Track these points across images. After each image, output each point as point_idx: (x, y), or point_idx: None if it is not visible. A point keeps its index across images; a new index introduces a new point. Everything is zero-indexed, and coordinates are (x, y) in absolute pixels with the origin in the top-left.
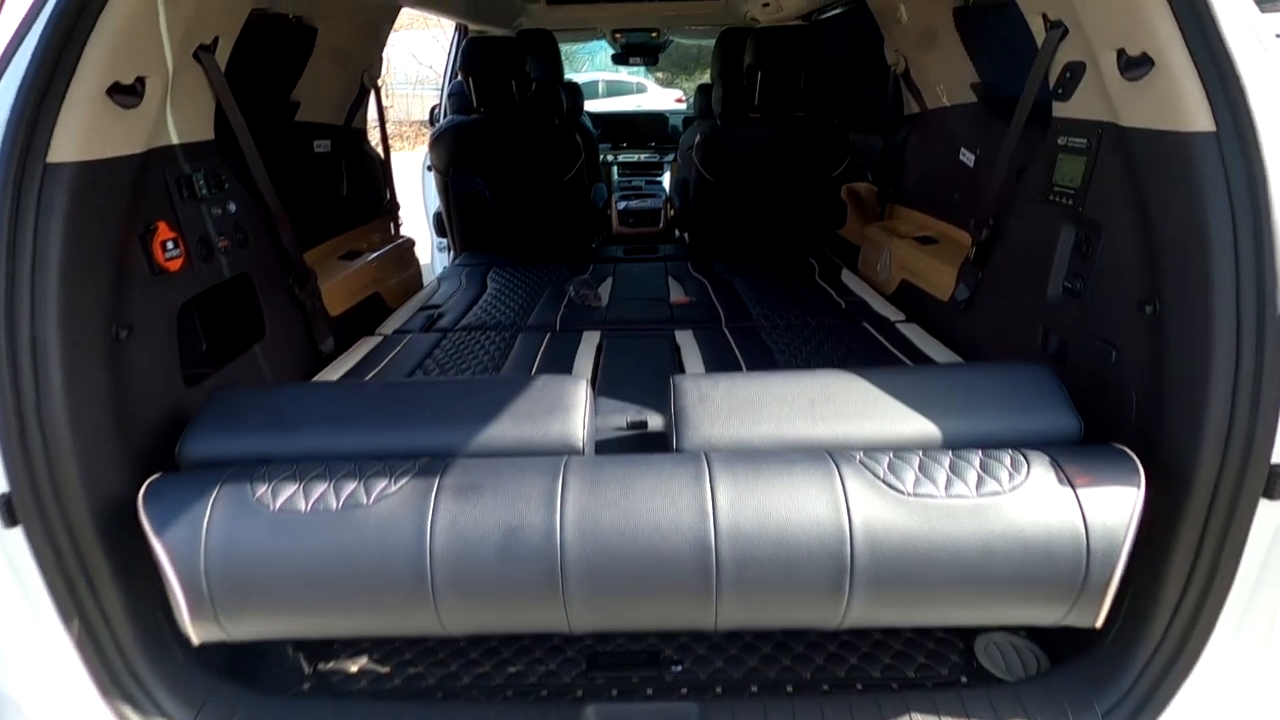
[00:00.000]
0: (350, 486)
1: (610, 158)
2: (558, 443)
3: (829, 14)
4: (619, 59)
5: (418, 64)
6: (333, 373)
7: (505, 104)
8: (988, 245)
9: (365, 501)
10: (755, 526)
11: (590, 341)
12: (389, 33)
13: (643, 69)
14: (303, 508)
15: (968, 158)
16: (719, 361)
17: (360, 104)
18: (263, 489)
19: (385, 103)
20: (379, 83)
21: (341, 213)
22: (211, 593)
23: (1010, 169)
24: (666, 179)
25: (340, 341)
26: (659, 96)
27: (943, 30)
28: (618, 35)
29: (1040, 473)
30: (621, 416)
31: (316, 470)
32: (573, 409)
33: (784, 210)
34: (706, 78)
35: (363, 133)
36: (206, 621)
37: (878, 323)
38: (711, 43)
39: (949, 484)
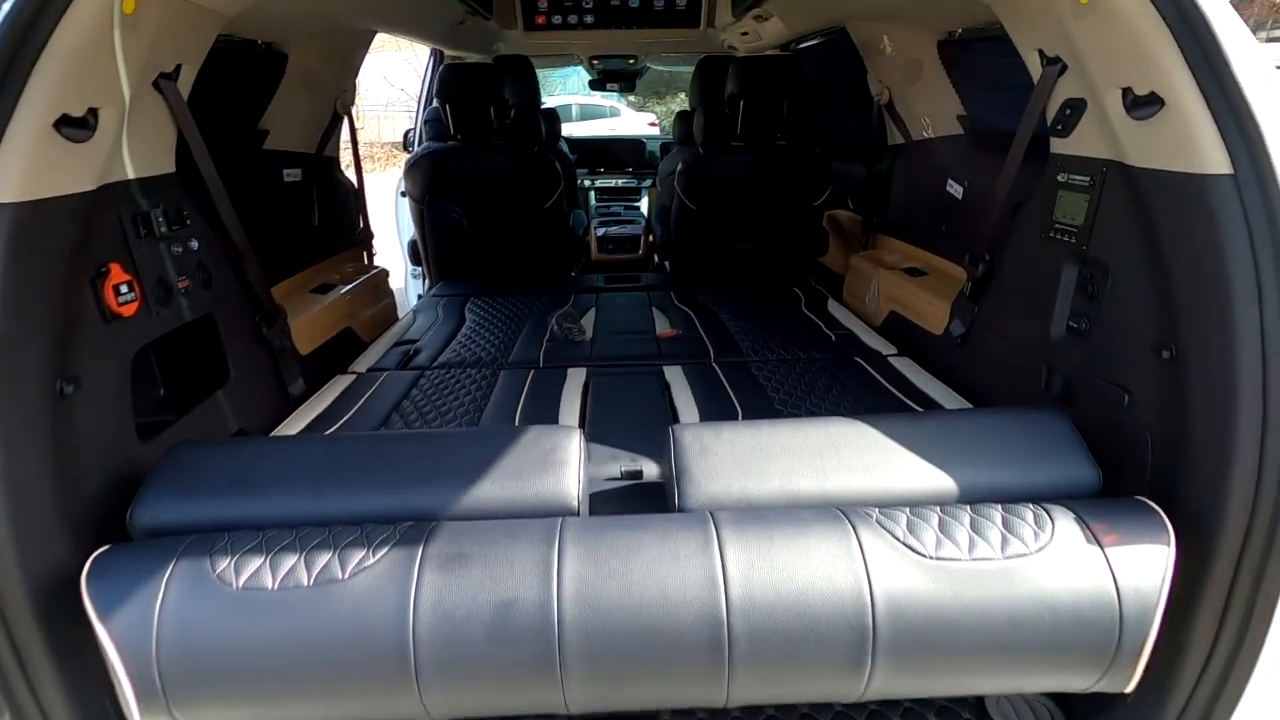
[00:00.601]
0: (323, 559)
1: (588, 183)
2: (552, 502)
3: (808, 44)
4: (596, 85)
5: (389, 86)
6: (303, 417)
7: (483, 131)
8: (984, 280)
9: (340, 576)
10: (769, 596)
11: (576, 380)
12: (363, 59)
13: (617, 94)
14: (270, 584)
15: (955, 189)
16: (711, 400)
17: (332, 131)
18: (224, 563)
19: (357, 124)
20: (352, 109)
21: (313, 244)
22: (164, 683)
23: (1006, 203)
24: (645, 204)
25: (312, 381)
26: (632, 120)
27: (927, 62)
28: (595, 62)
29: (1066, 531)
30: (614, 465)
31: (285, 540)
32: (566, 464)
33: (767, 238)
34: (678, 102)
35: (335, 160)
36: (158, 714)
37: (870, 356)
38: (685, 69)
39: (972, 545)
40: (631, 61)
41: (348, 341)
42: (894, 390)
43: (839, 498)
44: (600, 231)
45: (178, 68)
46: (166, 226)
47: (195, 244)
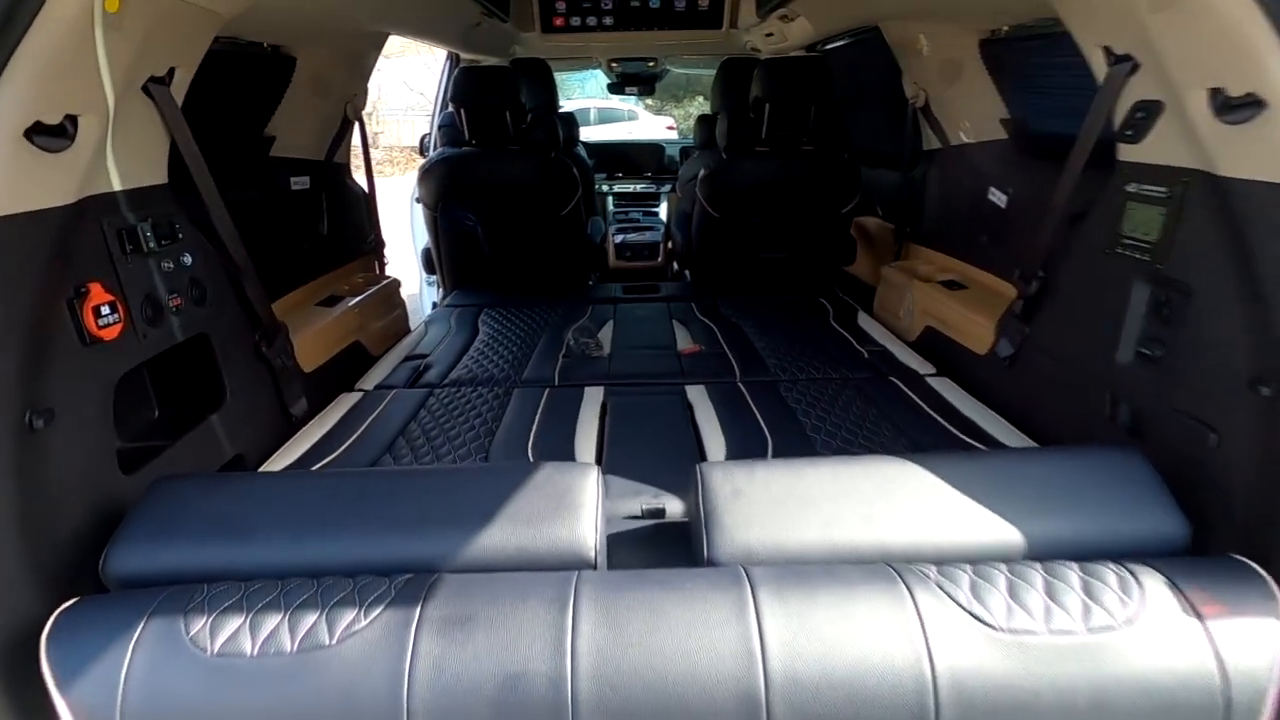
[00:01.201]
0: (309, 619)
1: (606, 188)
2: (566, 552)
3: (836, 44)
4: (615, 88)
5: (409, 90)
6: (305, 440)
7: (499, 135)
8: (1036, 298)
9: (327, 641)
10: (815, 675)
11: (593, 400)
12: (375, 62)
13: (635, 97)
14: (249, 649)
15: (998, 198)
16: (738, 425)
17: (343, 137)
18: (199, 623)
19: (375, 129)
20: (364, 114)
21: (321, 254)
22: None
23: (1063, 215)
24: (664, 210)
25: (316, 399)
26: (649, 124)
27: (968, 63)
28: (614, 64)
29: (1158, 598)
30: (635, 500)
31: (269, 595)
32: (581, 510)
33: (792, 247)
34: (697, 105)
35: (345, 167)
36: None
37: (906, 376)
38: (705, 71)
39: (1048, 613)
40: (651, 64)
41: (356, 356)
42: (935, 415)
43: (890, 551)
44: (618, 238)
45: (171, 71)
46: (156, 241)
47: (189, 259)
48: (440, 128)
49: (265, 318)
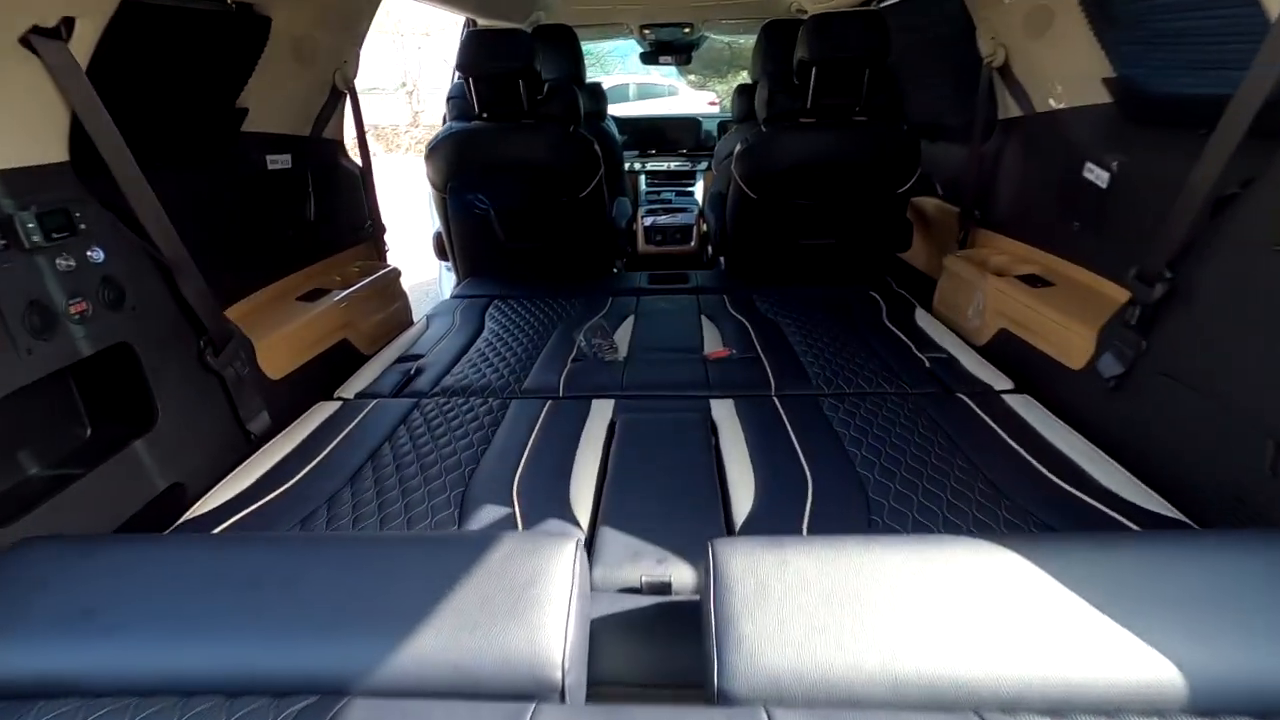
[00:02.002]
0: None
1: (638, 166)
2: (522, 675)
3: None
4: (648, 58)
5: (449, 67)
6: (259, 464)
7: (511, 108)
8: (1161, 305)
9: None
10: None
11: (601, 416)
12: (368, 26)
13: (675, 71)
14: None
15: (1097, 176)
16: (772, 458)
17: (332, 110)
18: None
19: (416, 107)
20: (354, 83)
21: (307, 242)
22: None
23: (1204, 200)
24: (699, 190)
25: (288, 411)
26: (691, 100)
27: (1061, 11)
28: (646, 31)
29: None
30: (634, 566)
31: None
32: (548, 607)
33: (840, 232)
34: (742, 80)
35: (337, 144)
36: None
37: (978, 393)
38: (748, 40)
39: None
40: (686, 30)
41: (342, 357)
42: (1018, 448)
43: (982, 693)
44: (648, 221)
45: (67, 22)
46: (43, 234)
47: (97, 255)
48: (449, 100)
49: (210, 321)
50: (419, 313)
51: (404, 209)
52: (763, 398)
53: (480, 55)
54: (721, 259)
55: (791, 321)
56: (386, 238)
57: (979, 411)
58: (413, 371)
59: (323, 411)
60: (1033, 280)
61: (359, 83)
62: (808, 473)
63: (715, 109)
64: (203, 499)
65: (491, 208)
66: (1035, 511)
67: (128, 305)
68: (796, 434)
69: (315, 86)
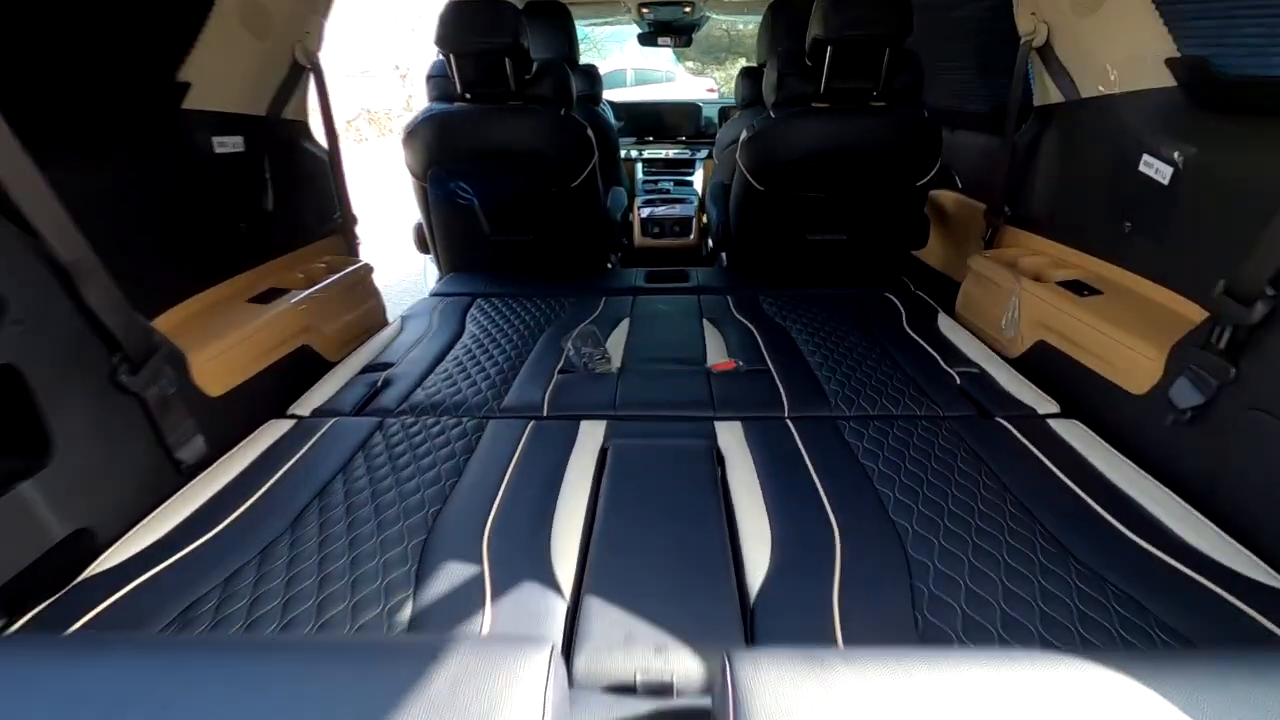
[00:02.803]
0: None
1: (634, 153)
2: None
3: None
4: (646, 39)
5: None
6: (193, 497)
7: (498, 89)
8: (1257, 328)
9: None
10: None
11: (590, 439)
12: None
13: (673, 56)
14: None
15: (1157, 170)
16: (790, 501)
17: (294, 88)
18: None
19: (409, 92)
20: (319, 58)
21: (264, 236)
22: None
23: None
24: (698, 179)
25: (232, 430)
26: (688, 87)
27: None
28: (644, 10)
29: None
30: (626, 656)
31: None
32: None
33: (853, 226)
34: (741, 67)
35: (301, 126)
36: None
37: (1019, 417)
38: (746, 25)
39: None
40: (687, 10)
41: (302, 366)
42: (1079, 491)
43: None
44: (645, 212)
45: None
46: None
47: None
48: (429, 79)
49: (125, 333)
50: (398, 311)
51: (394, 195)
52: (775, 420)
53: (461, 29)
54: (723, 255)
55: (803, 327)
56: (369, 228)
57: (1024, 440)
58: (380, 384)
59: (273, 432)
60: (1077, 287)
61: (351, 66)
62: (833, 522)
63: (714, 96)
64: (114, 547)
65: (475, 197)
66: (1111, 578)
67: (9, 320)
68: (816, 468)
69: (272, 60)
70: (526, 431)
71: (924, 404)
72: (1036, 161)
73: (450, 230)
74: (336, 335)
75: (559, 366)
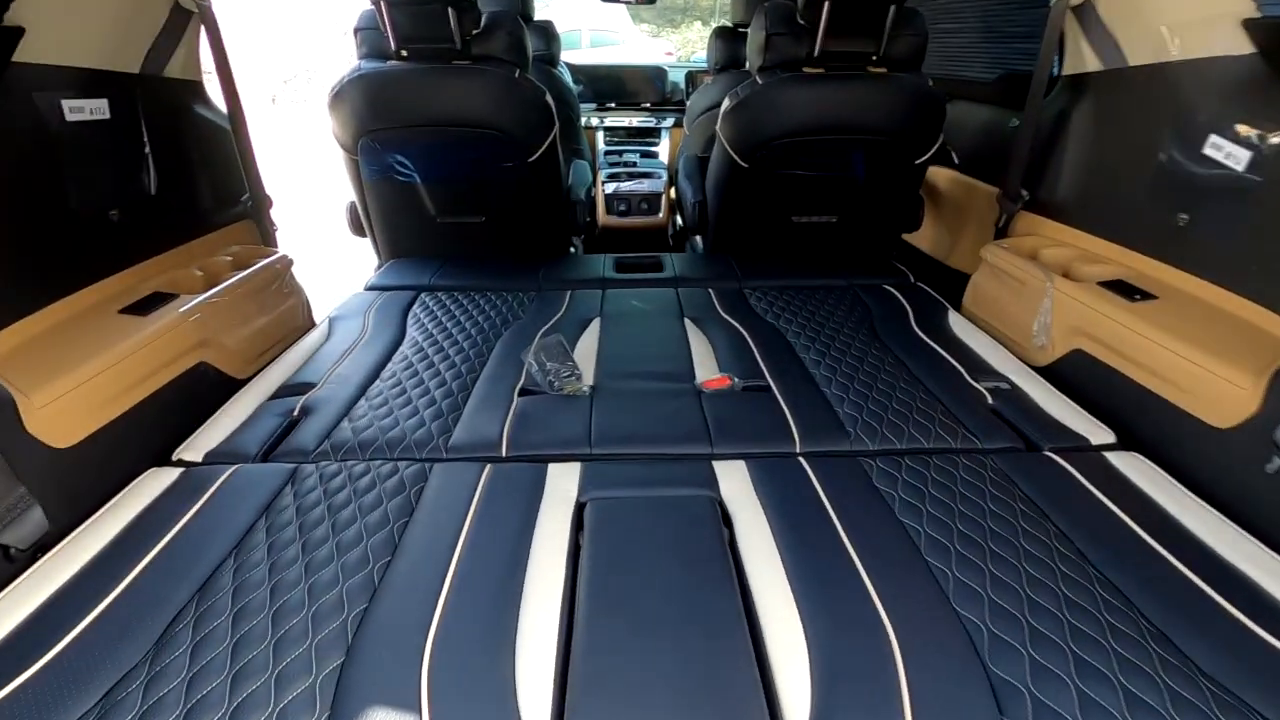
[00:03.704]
0: None
1: (595, 121)
2: None
3: None
4: None
5: None
6: (28, 595)
7: (440, 46)
8: None
9: None
10: None
11: (562, 491)
12: None
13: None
14: None
15: (1229, 154)
16: (819, 586)
17: (177, 38)
18: None
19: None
20: (210, 4)
21: (143, 226)
22: None
23: None
24: (664, 150)
25: (92, 489)
26: (644, 49)
27: None
28: None
29: None
30: None
31: None
32: None
33: (844, 208)
34: (696, 32)
35: (193, 87)
36: None
37: (1071, 451)
38: None
39: None
40: None
41: (197, 390)
42: (1169, 554)
43: None
44: (609, 188)
45: None
46: None
47: None
48: (357, 32)
49: None
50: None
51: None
52: (785, 458)
53: None
54: (698, 238)
55: (799, 330)
56: (313, 205)
57: (1083, 480)
58: (296, 413)
59: (149, 488)
60: (1123, 289)
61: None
62: (883, 614)
63: (671, 59)
64: None
65: (417, 173)
66: (1222, 678)
67: None
68: (846, 528)
69: (145, 3)
70: (481, 482)
71: (958, 433)
72: (1062, 139)
73: (388, 211)
74: (245, 346)
75: (519, 385)
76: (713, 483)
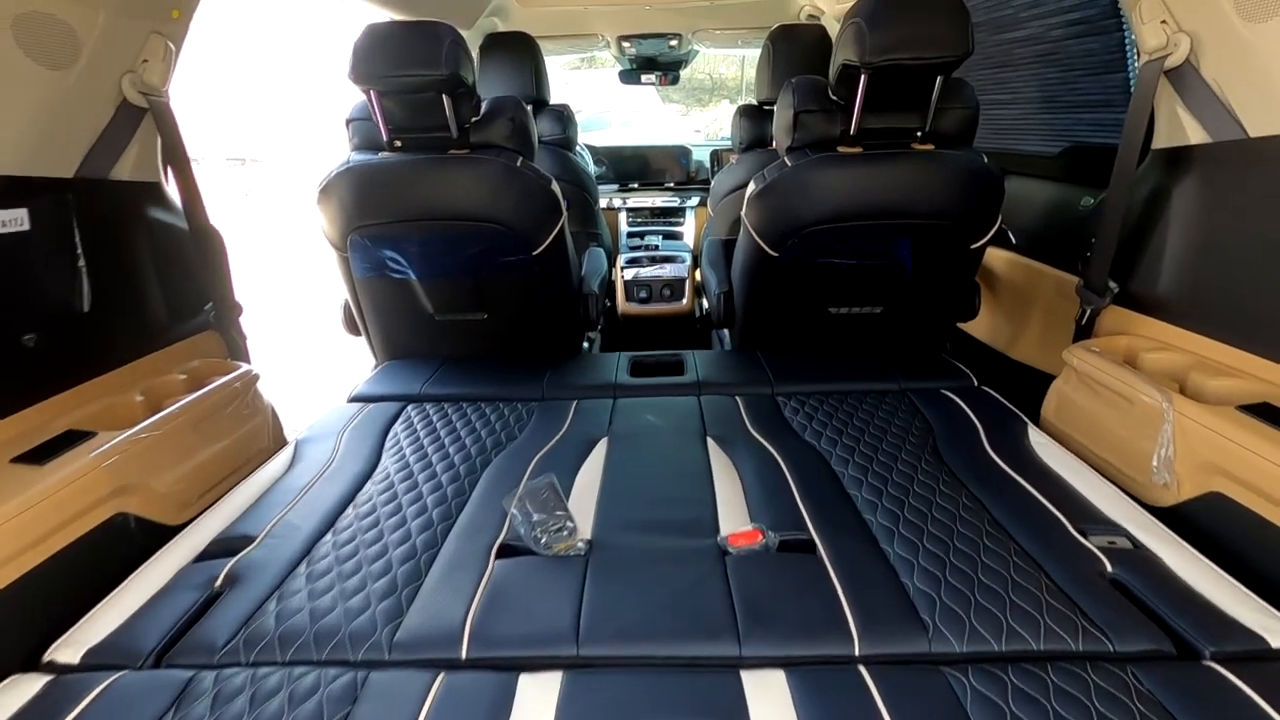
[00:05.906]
0: None
1: (618, 202)
2: None
3: None
4: (629, 76)
5: None
6: None
7: (435, 135)
8: None
9: None
10: None
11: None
12: (195, 6)
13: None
14: None
15: None
16: None
17: (127, 137)
18: None
19: None
20: (166, 93)
21: (70, 349)
22: None
23: None
24: (689, 230)
25: None
26: (667, 125)
27: None
28: (626, 44)
29: None
30: None
31: None
32: None
33: (890, 298)
34: (724, 109)
35: (147, 189)
36: None
37: (1242, 661)
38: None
39: None
40: (673, 44)
41: (111, 549)
42: None
43: None
44: (630, 274)
45: None
46: None
47: None
48: (349, 123)
49: None
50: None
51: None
52: (841, 666)
53: (384, 58)
54: (726, 331)
55: (847, 454)
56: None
57: (1263, 704)
58: (218, 583)
59: (7, 705)
60: (1270, 414)
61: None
62: None
63: (700, 136)
64: None
65: (411, 270)
66: None
67: None
68: None
69: (81, 99)
70: (428, 703)
71: (1079, 630)
72: (1160, 223)
73: (383, 310)
74: (182, 487)
75: (498, 541)
76: (739, 709)
